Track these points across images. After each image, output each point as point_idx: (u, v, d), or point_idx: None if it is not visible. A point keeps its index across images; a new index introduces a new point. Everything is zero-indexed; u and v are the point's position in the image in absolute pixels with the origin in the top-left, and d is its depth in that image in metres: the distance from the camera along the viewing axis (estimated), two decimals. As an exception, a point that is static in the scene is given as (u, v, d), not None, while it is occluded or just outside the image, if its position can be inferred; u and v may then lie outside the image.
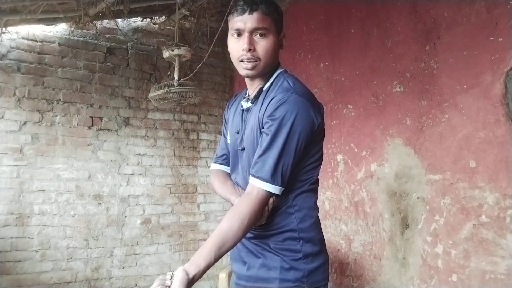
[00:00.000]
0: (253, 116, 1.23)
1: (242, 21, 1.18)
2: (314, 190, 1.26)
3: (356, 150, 2.75)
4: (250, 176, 1.16)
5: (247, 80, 1.30)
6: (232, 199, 1.26)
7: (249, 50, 1.18)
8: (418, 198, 2.33)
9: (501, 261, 1.92)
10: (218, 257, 1.03)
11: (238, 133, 1.31)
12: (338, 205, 2.87)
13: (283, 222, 1.20)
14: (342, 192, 2.84)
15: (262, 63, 1.21)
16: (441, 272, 2.19)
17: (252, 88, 1.30)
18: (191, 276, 0.98)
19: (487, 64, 2.01)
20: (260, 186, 1.12)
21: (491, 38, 2.00)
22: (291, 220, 1.20)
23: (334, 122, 2.91)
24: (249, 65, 1.20)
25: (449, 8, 2.20)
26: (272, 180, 1.11)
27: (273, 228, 1.20)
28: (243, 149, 1.27)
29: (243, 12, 1.18)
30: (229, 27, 1.23)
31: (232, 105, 1.43)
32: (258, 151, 1.15)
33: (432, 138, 2.27)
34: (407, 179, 2.40)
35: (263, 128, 1.17)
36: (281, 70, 1.29)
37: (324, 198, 2.96)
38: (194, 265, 0.99)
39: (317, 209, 1.27)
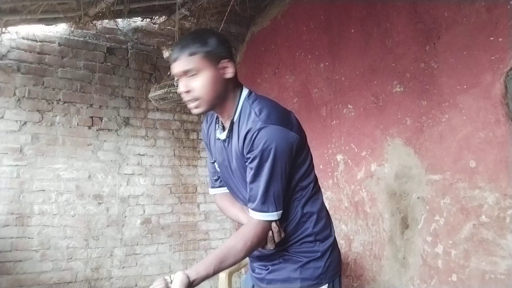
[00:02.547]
0: (233, 149, 1.25)
1: (175, 67, 1.22)
2: (317, 191, 1.34)
3: (356, 150, 2.75)
4: (248, 208, 1.25)
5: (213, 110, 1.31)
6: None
7: (186, 92, 1.22)
8: (418, 198, 2.33)
9: (501, 261, 1.92)
10: (217, 270, 1.15)
11: (224, 163, 1.33)
12: (338, 205, 2.87)
13: (300, 231, 1.28)
14: (342, 192, 2.84)
15: (203, 100, 1.22)
16: (441, 272, 2.19)
17: (223, 118, 1.30)
18: (191, 279, 1.09)
19: (487, 64, 2.01)
20: (257, 217, 1.21)
21: (491, 38, 2.00)
22: (306, 227, 1.28)
23: (334, 122, 2.91)
24: (192, 105, 1.24)
25: (449, 8, 2.20)
26: (266, 209, 1.20)
27: (291, 238, 1.28)
28: (232, 177, 1.32)
29: (174, 59, 1.22)
30: None
31: (209, 130, 1.41)
32: (248, 185, 1.22)
33: (432, 138, 2.27)
34: (407, 179, 2.40)
35: (246, 161, 1.21)
36: (245, 95, 1.26)
37: (324, 198, 2.93)
38: (194, 271, 1.11)
39: (325, 208, 1.37)
